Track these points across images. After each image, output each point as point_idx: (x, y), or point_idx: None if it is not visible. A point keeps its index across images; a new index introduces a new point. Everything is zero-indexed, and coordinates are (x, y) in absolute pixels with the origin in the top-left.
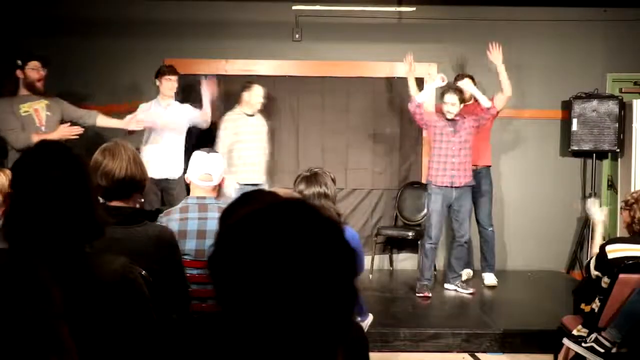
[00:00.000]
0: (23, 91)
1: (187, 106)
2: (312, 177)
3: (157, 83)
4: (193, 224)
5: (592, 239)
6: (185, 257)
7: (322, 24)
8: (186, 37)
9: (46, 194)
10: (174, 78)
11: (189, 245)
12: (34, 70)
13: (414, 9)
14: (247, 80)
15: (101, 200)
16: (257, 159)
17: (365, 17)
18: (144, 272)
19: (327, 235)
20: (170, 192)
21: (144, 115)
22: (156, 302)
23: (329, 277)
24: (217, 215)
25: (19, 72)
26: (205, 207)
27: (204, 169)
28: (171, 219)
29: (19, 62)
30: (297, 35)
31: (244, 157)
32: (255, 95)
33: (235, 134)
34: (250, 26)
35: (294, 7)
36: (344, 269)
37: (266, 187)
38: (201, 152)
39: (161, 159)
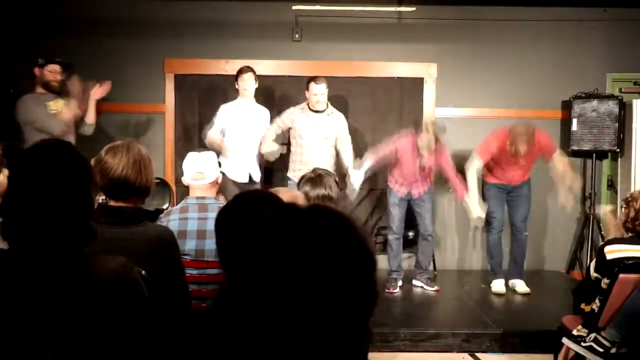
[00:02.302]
0: (39, 89)
1: (266, 112)
2: (317, 179)
3: (236, 86)
4: (193, 224)
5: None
6: (185, 257)
7: (322, 24)
8: (186, 37)
9: (45, 193)
10: (246, 76)
11: (189, 246)
12: (52, 73)
13: (414, 9)
14: (311, 77)
15: (103, 197)
16: (318, 159)
17: (365, 17)
18: (143, 272)
19: (360, 249)
20: None
21: (223, 119)
22: (156, 302)
23: (352, 292)
24: None
25: (37, 70)
26: (205, 207)
27: (195, 168)
28: (171, 219)
29: (41, 60)
30: (297, 35)
31: (298, 153)
32: (310, 95)
33: (292, 129)
34: (250, 26)
35: (294, 7)
36: (368, 288)
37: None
38: (193, 152)
39: (241, 162)
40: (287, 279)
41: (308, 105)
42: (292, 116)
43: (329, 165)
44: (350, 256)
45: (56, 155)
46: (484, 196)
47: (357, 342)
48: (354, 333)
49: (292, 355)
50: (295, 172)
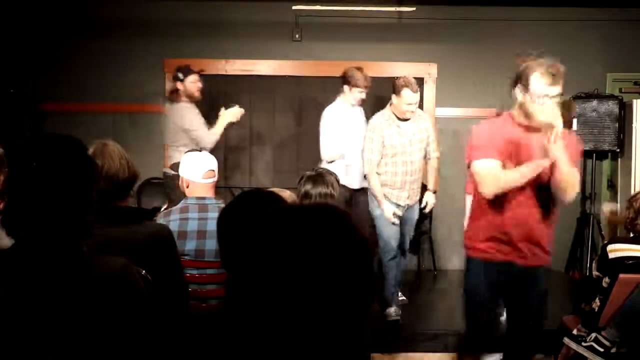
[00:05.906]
0: (184, 99)
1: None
2: (318, 177)
3: (348, 90)
4: (193, 224)
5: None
6: (185, 257)
7: (322, 24)
8: (186, 37)
9: (46, 187)
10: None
11: (189, 246)
12: (194, 84)
13: (414, 9)
14: (396, 78)
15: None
16: (412, 172)
17: (365, 17)
18: (143, 272)
19: (358, 252)
20: None
21: (336, 121)
22: (155, 302)
23: (348, 295)
24: (217, 215)
25: (179, 85)
26: (205, 208)
27: (207, 166)
28: (171, 219)
29: (181, 75)
30: (297, 35)
31: (390, 172)
32: (402, 104)
33: (384, 146)
34: (250, 26)
35: (294, 7)
36: (364, 290)
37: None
38: (197, 151)
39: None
40: (289, 273)
41: (393, 112)
42: (384, 131)
43: (420, 174)
44: (346, 245)
45: (60, 150)
46: None
47: (359, 329)
48: (357, 319)
49: (298, 348)
50: (388, 189)
